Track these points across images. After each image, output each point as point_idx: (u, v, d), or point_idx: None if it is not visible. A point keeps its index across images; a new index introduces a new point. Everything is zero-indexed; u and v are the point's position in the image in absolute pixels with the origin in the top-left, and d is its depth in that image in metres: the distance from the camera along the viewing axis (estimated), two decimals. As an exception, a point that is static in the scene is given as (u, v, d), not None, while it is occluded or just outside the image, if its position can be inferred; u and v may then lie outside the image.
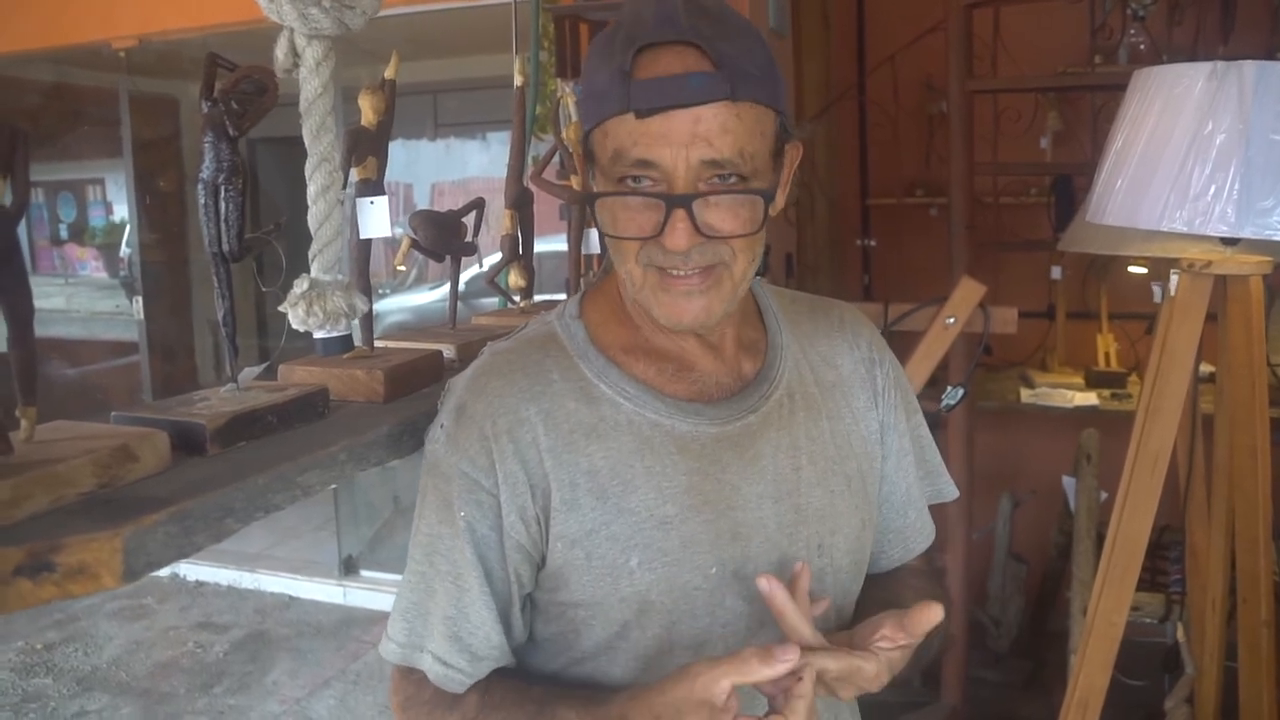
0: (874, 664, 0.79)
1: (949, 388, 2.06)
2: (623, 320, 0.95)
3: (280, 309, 0.97)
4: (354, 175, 1.04)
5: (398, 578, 0.92)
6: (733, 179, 0.82)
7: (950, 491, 1.09)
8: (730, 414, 0.91)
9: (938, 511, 1.10)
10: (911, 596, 1.00)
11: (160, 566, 0.65)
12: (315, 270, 0.97)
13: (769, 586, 0.79)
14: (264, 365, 0.96)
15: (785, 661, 0.74)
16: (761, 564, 0.89)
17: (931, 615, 0.79)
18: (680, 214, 0.80)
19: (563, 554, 0.86)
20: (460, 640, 0.87)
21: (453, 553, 0.87)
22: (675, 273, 0.84)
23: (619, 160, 0.82)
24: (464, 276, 1.46)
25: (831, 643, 0.81)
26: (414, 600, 0.90)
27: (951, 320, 2.03)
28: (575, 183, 1.46)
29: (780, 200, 0.90)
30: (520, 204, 1.44)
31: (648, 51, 0.81)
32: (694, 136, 0.80)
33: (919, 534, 1.07)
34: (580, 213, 1.51)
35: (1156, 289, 1.79)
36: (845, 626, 0.95)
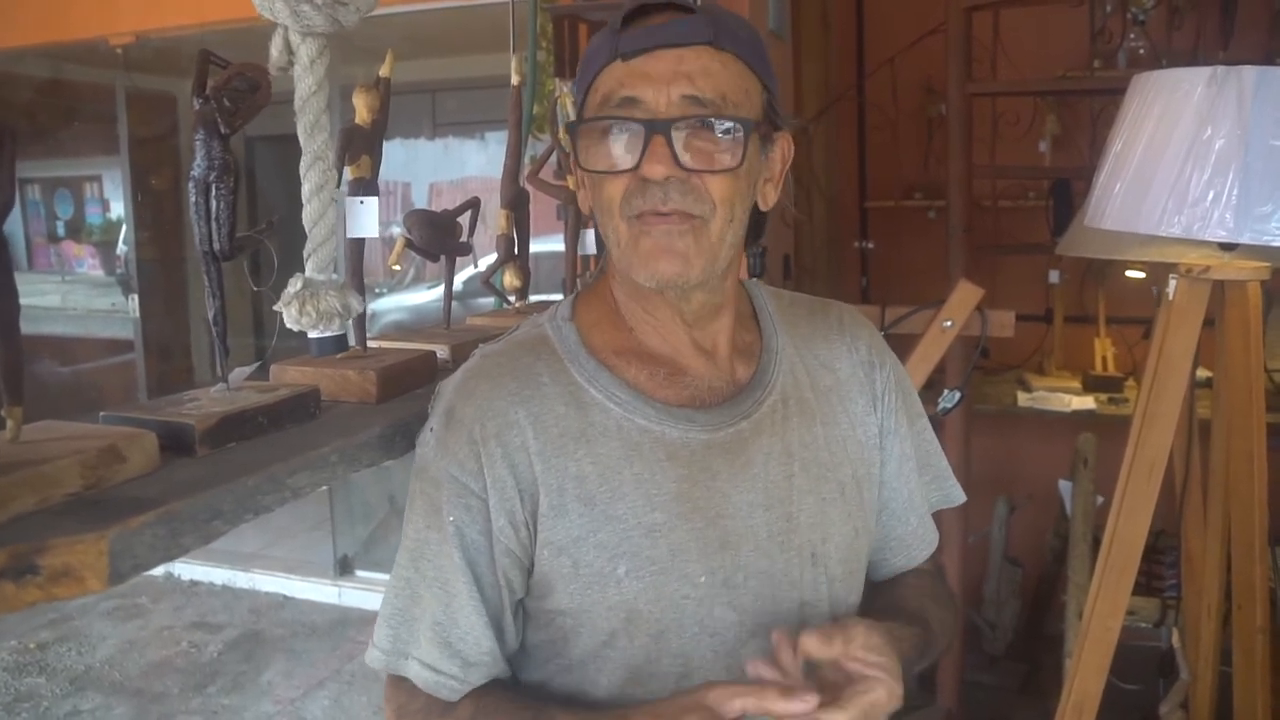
0: (880, 689, 0.78)
1: (946, 391, 2.05)
2: (615, 324, 0.94)
3: (275, 308, 0.96)
4: (348, 174, 1.03)
5: (387, 583, 0.92)
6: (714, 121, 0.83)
7: (958, 495, 1.08)
8: (722, 420, 0.90)
9: (934, 515, 1.09)
10: (911, 595, 1.00)
11: (147, 569, 0.64)
12: (309, 270, 0.97)
13: (756, 673, 0.78)
14: (255, 365, 0.95)
15: (805, 703, 0.74)
16: (751, 572, 0.88)
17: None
18: (659, 140, 0.81)
19: (550, 561, 0.86)
20: (450, 646, 0.86)
21: (440, 558, 0.86)
22: (654, 213, 0.83)
23: (605, 103, 0.84)
24: (460, 276, 1.45)
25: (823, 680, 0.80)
26: (399, 607, 0.89)
27: (949, 323, 2.02)
28: (572, 183, 1.46)
29: (772, 195, 0.91)
30: (516, 204, 1.44)
31: (639, 15, 0.85)
32: (676, 74, 0.82)
33: (921, 541, 1.05)
34: (577, 213, 1.50)
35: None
36: None
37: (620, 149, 0.84)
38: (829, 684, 0.79)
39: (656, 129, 0.81)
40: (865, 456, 0.98)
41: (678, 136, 0.82)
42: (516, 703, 0.87)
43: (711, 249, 0.85)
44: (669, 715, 0.78)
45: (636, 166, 0.82)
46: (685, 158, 0.82)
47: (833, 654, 0.79)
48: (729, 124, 0.83)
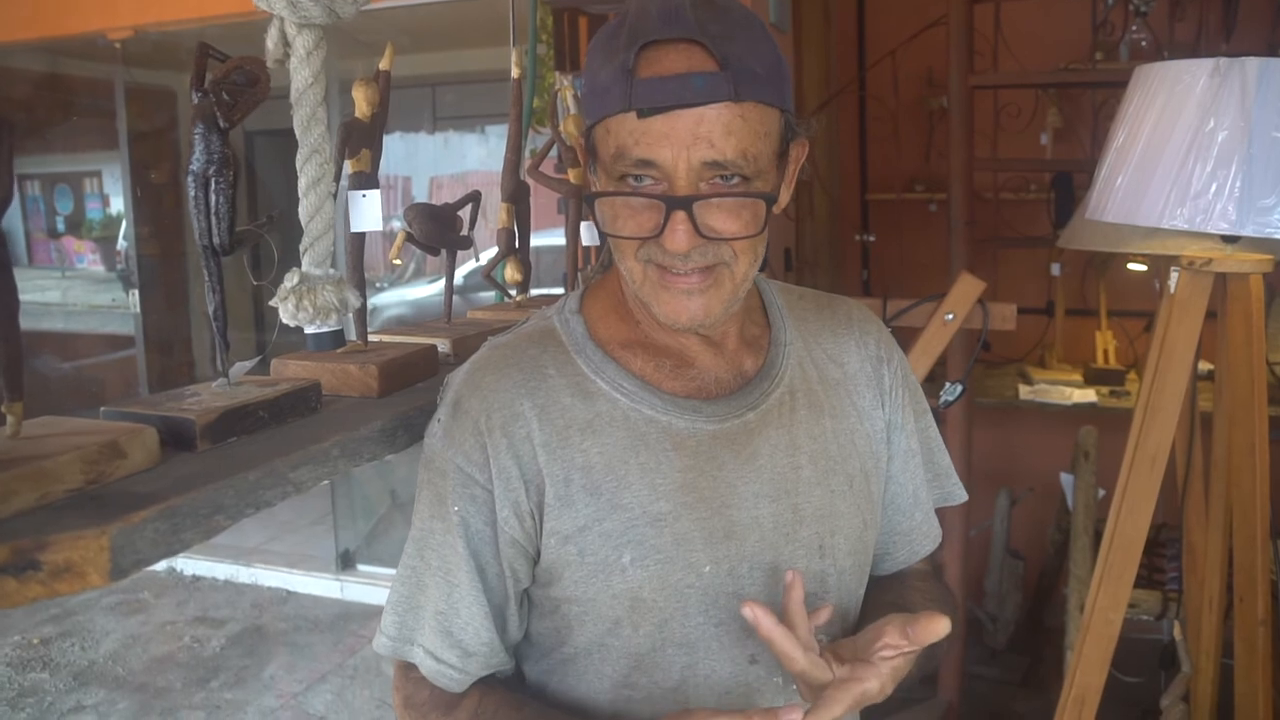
0: (876, 681, 0.77)
1: (947, 384, 2.05)
2: (623, 315, 0.94)
3: (271, 303, 0.96)
4: (348, 168, 1.03)
5: (394, 572, 0.93)
6: (735, 180, 0.81)
7: (959, 495, 1.08)
8: (728, 411, 0.90)
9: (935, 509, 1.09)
10: (918, 599, 1.00)
11: (148, 564, 0.64)
12: (306, 264, 0.96)
13: (753, 614, 0.77)
14: (256, 359, 0.95)
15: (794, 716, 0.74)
16: (757, 563, 0.88)
17: (938, 627, 0.77)
18: (680, 215, 0.80)
19: (556, 550, 0.86)
20: (451, 635, 0.87)
21: (444, 548, 0.87)
22: (675, 271, 0.83)
23: (620, 159, 0.81)
24: (461, 270, 1.45)
25: (835, 652, 0.80)
26: (405, 594, 0.90)
27: (950, 316, 2.02)
28: (573, 176, 1.46)
29: (784, 198, 0.89)
30: (517, 197, 1.43)
31: (651, 49, 0.80)
32: (696, 137, 0.79)
33: (925, 536, 1.05)
34: (577, 206, 1.50)
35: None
36: (849, 630, 0.95)
37: (638, 210, 0.82)
38: (837, 655, 0.79)
39: (678, 205, 0.80)
40: (873, 450, 0.98)
41: (699, 208, 0.80)
42: (518, 704, 0.88)
43: (734, 290, 0.86)
44: None
45: (658, 234, 0.81)
46: (707, 227, 0.81)
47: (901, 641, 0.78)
48: (750, 199, 0.82)
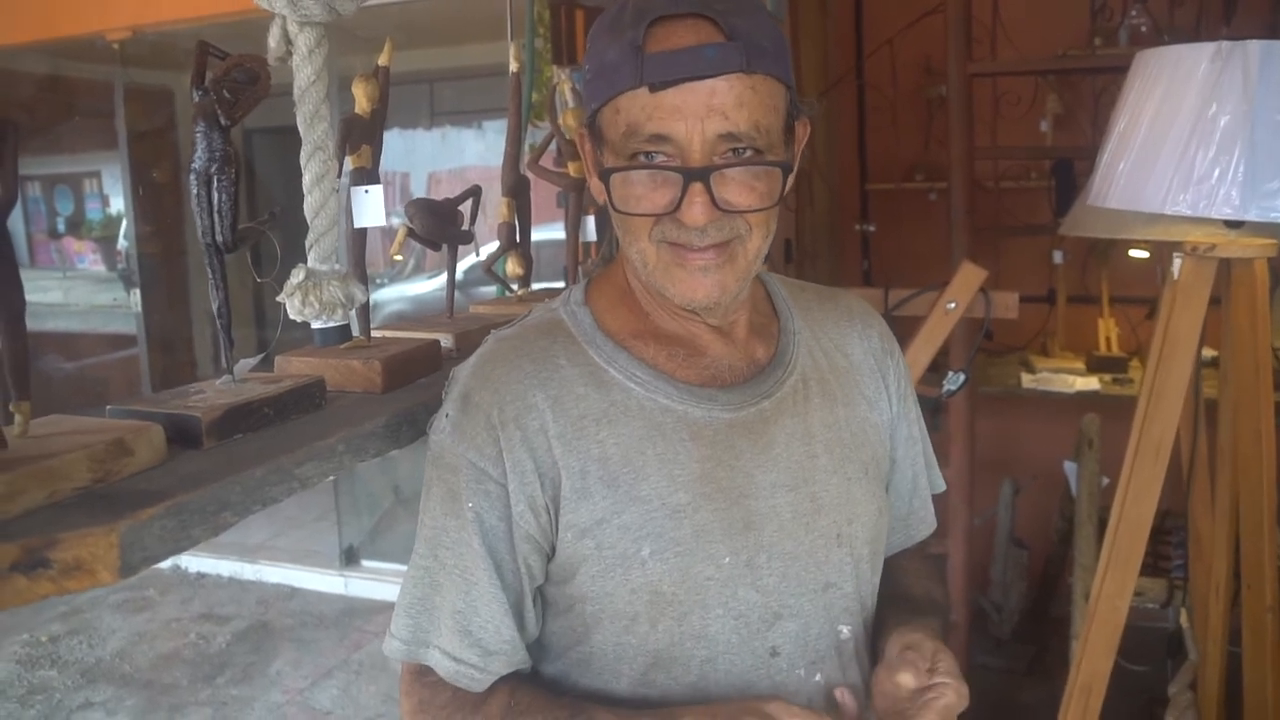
0: (949, 692, 0.82)
1: (950, 373, 2.05)
2: (630, 306, 0.93)
3: (278, 299, 0.96)
4: (349, 164, 1.03)
5: (399, 568, 0.92)
6: (748, 152, 0.81)
7: (940, 484, 1.10)
8: (744, 399, 0.89)
9: (939, 498, 1.10)
10: (915, 581, 1.02)
11: (157, 561, 0.64)
12: (311, 260, 0.96)
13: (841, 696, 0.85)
14: (260, 356, 0.95)
15: None
16: (775, 553, 0.87)
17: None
18: (698, 188, 0.79)
19: (572, 544, 0.85)
20: (470, 634, 0.85)
21: (459, 545, 0.86)
22: (691, 248, 0.83)
23: (632, 135, 0.80)
24: (462, 265, 1.45)
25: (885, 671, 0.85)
26: (418, 596, 0.88)
27: (952, 305, 2.02)
28: (572, 170, 1.45)
29: (789, 180, 0.89)
30: (517, 192, 1.43)
31: (660, 24, 0.79)
32: (709, 109, 0.78)
33: (921, 522, 1.07)
34: (578, 200, 1.50)
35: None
36: (869, 618, 0.96)
37: (652, 187, 0.82)
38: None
39: (696, 177, 0.79)
40: (881, 439, 0.99)
41: (715, 181, 0.80)
42: (552, 700, 0.86)
43: (747, 267, 0.85)
44: (724, 716, 0.78)
45: (675, 209, 0.81)
46: (724, 200, 0.81)
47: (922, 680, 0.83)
48: (765, 169, 0.81)
